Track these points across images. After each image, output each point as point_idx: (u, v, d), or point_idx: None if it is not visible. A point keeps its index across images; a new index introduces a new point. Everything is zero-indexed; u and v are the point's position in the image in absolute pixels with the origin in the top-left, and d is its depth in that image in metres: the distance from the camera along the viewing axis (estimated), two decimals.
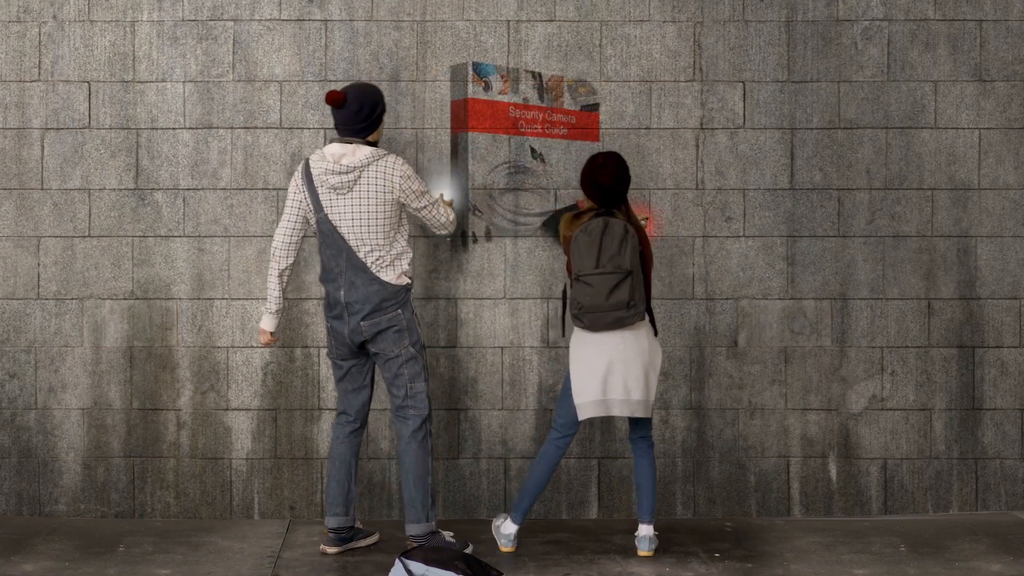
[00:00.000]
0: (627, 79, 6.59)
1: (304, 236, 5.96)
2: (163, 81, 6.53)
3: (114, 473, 6.55)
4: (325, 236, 5.82)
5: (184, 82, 6.53)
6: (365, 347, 5.87)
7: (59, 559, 5.79)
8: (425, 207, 5.88)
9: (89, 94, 6.52)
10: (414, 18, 6.55)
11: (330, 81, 6.53)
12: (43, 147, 6.53)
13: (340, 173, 5.74)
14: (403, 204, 5.82)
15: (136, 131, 6.53)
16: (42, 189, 6.53)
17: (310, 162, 5.81)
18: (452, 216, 5.99)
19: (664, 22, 6.58)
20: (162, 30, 6.53)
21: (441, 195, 6.15)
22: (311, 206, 5.82)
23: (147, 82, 6.53)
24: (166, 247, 6.54)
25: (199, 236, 6.54)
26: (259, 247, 6.54)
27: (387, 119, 6.53)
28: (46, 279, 6.53)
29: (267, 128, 6.55)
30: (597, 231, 5.74)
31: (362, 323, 5.79)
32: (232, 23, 6.54)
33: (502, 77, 6.56)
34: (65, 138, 6.52)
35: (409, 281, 5.85)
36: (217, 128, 6.54)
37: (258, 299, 6.54)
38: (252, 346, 6.55)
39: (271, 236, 6.52)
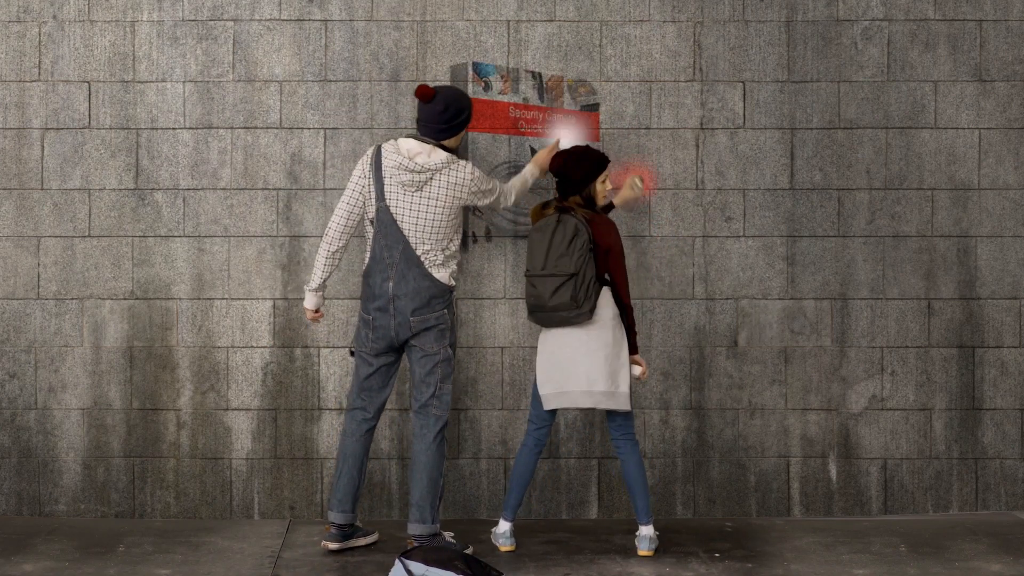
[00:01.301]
0: (627, 79, 6.59)
1: (355, 229, 5.92)
2: (163, 81, 6.53)
3: (114, 473, 6.55)
4: (383, 225, 5.79)
5: (184, 82, 6.53)
6: (404, 343, 5.87)
7: (59, 559, 5.79)
8: (491, 201, 5.96)
9: (89, 94, 6.52)
10: (414, 18, 6.55)
11: (330, 81, 6.53)
12: (43, 147, 6.53)
13: (412, 171, 5.73)
14: (471, 204, 5.90)
15: (136, 131, 6.53)
16: (42, 189, 6.53)
17: (382, 151, 5.79)
18: (511, 199, 6.09)
19: (664, 22, 6.58)
20: (162, 30, 6.53)
21: (557, 142, 6.29)
22: (373, 193, 5.79)
23: (147, 82, 6.53)
24: (166, 247, 6.54)
25: (199, 236, 6.54)
26: (259, 247, 6.54)
27: (387, 119, 6.53)
28: (46, 279, 6.53)
29: (267, 128, 6.55)
30: (549, 228, 5.78)
31: (412, 318, 5.77)
32: (232, 23, 6.54)
33: (502, 77, 6.56)
34: (65, 138, 6.52)
35: (455, 283, 5.87)
36: (217, 128, 6.54)
37: (258, 299, 6.54)
38: (252, 346, 6.55)
39: (271, 236, 6.52)
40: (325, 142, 6.53)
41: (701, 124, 6.61)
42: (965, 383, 6.66)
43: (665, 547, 6.00)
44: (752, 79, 6.60)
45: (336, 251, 5.87)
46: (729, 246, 6.61)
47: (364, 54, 6.55)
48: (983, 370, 6.66)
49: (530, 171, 6.18)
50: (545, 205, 5.92)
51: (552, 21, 6.58)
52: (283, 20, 6.54)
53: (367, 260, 5.86)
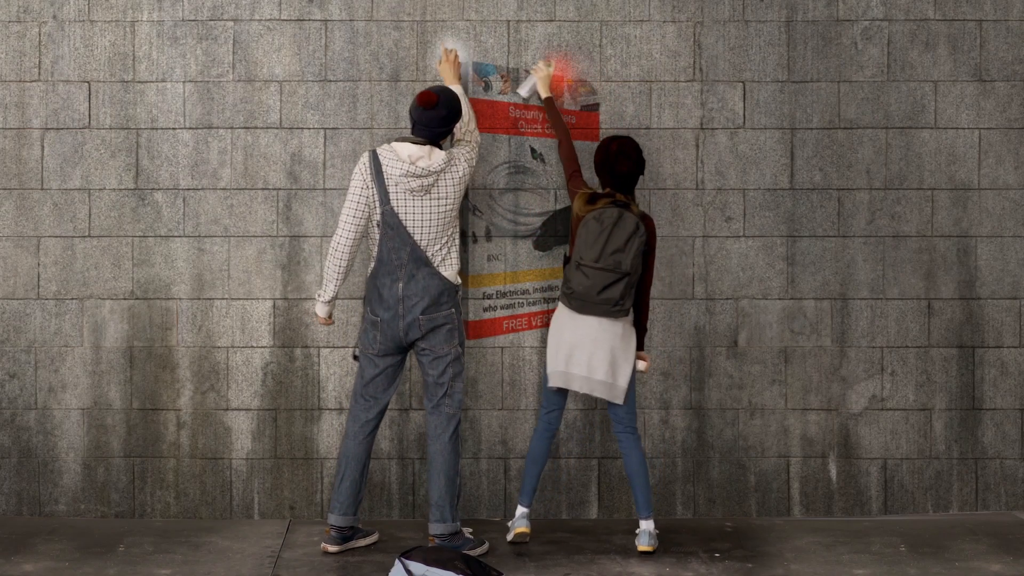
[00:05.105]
0: (627, 79, 6.59)
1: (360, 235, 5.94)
2: (163, 81, 6.53)
3: (114, 473, 6.55)
4: (389, 228, 5.80)
5: (184, 82, 6.53)
6: (414, 344, 5.87)
7: (59, 559, 5.79)
8: (474, 144, 6.12)
9: (89, 94, 6.52)
10: (414, 18, 6.55)
11: (330, 81, 6.52)
12: (43, 147, 6.53)
13: (420, 176, 5.76)
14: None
15: (136, 131, 6.53)
16: (42, 189, 6.53)
17: (379, 157, 5.80)
18: (473, 126, 6.21)
19: (664, 22, 6.58)
20: (162, 30, 6.53)
21: (445, 50, 6.30)
22: (377, 198, 5.80)
23: (147, 82, 6.53)
24: (166, 247, 6.54)
25: (199, 236, 6.54)
26: (259, 247, 6.54)
27: (387, 119, 6.53)
28: (46, 279, 6.53)
29: (267, 128, 6.55)
30: (609, 221, 5.80)
31: (421, 317, 5.79)
32: (232, 23, 6.54)
33: (502, 77, 6.56)
34: (65, 138, 6.52)
35: (460, 282, 5.92)
36: (217, 128, 6.54)
37: (258, 299, 6.54)
38: (252, 346, 6.55)
39: (271, 236, 6.52)
40: (325, 142, 6.53)
41: (701, 124, 6.61)
42: (965, 383, 6.66)
43: (665, 547, 6.00)
44: (752, 79, 6.60)
45: (347, 266, 5.90)
46: (729, 246, 6.61)
47: (364, 54, 6.55)
48: (983, 370, 6.66)
49: (458, 90, 6.23)
50: (592, 198, 5.91)
51: (552, 21, 6.58)
52: (283, 20, 6.54)
53: (373, 262, 5.88)
